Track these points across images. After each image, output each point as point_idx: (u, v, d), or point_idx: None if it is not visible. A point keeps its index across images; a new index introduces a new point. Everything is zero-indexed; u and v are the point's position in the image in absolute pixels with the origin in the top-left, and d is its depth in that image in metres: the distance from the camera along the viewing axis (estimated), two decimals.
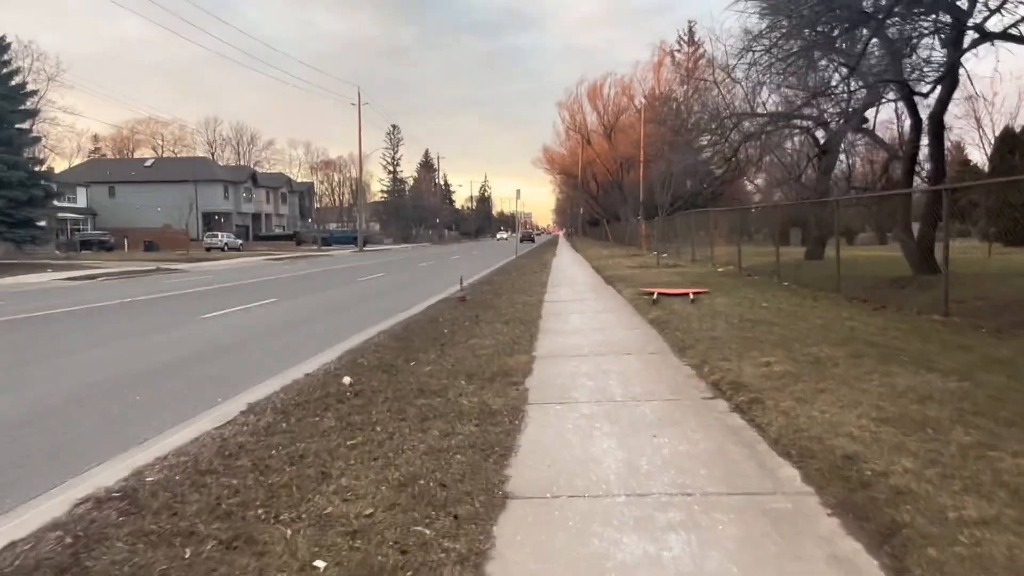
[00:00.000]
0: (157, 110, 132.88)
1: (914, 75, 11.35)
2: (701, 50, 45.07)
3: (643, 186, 47.08)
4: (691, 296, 12.09)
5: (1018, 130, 25.12)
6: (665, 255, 29.90)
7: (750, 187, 55.47)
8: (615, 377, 6.30)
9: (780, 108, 16.72)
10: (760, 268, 18.42)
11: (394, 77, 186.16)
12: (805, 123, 16.84)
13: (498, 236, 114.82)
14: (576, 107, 63.80)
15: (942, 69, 10.96)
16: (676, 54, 48.19)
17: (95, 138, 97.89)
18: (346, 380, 6.42)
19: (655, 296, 12.31)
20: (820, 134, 17.35)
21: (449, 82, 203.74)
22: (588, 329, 9.47)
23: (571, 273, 21.98)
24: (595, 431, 4.66)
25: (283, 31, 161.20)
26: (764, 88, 15.31)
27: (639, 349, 7.72)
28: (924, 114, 12.73)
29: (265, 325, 11.66)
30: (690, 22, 46.98)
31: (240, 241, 64.55)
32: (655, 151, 53.86)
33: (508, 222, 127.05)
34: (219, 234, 63.33)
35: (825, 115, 16.29)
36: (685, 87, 48.73)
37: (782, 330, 8.11)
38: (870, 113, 15.29)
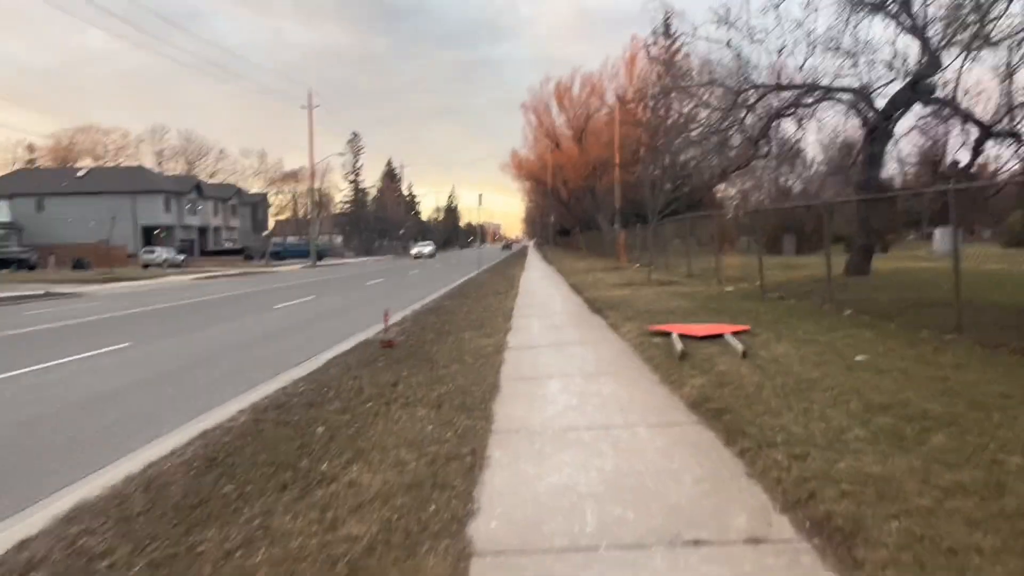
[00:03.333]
0: (93, 118, 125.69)
1: None
2: (678, 44, 41.40)
3: (619, 191, 43.12)
4: (734, 342, 7.78)
5: None
6: (650, 267, 25.82)
7: (731, 192, 51.97)
8: None
9: (811, 80, 12.64)
10: (789, 287, 14.29)
11: (364, 88, 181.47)
12: (847, 96, 12.81)
13: (413, 251, 72.70)
14: (543, 108, 59.79)
15: None
16: (651, 48, 44.38)
17: (30, 148, 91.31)
18: None
19: (676, 341, 7.98)
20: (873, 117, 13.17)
21: (420, 92, 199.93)
22: (582, 427, 5.09)
23: (544, 296, 17.64)
24: None
25: (250, 41, 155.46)
26: (799, 50, 11.14)
27: (718, 517, 3.34)
28: None
29: (32, 409, 7.05)
30: (667, 12, 43.12)
31: (182, 257, 59.19)
32: (630, 154, 50.05)
33: (474, 232, 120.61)
34: (157, 249, 57.87)
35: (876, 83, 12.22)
36: (661, 82, 44.90)
37: (1005, 453, 3.82)
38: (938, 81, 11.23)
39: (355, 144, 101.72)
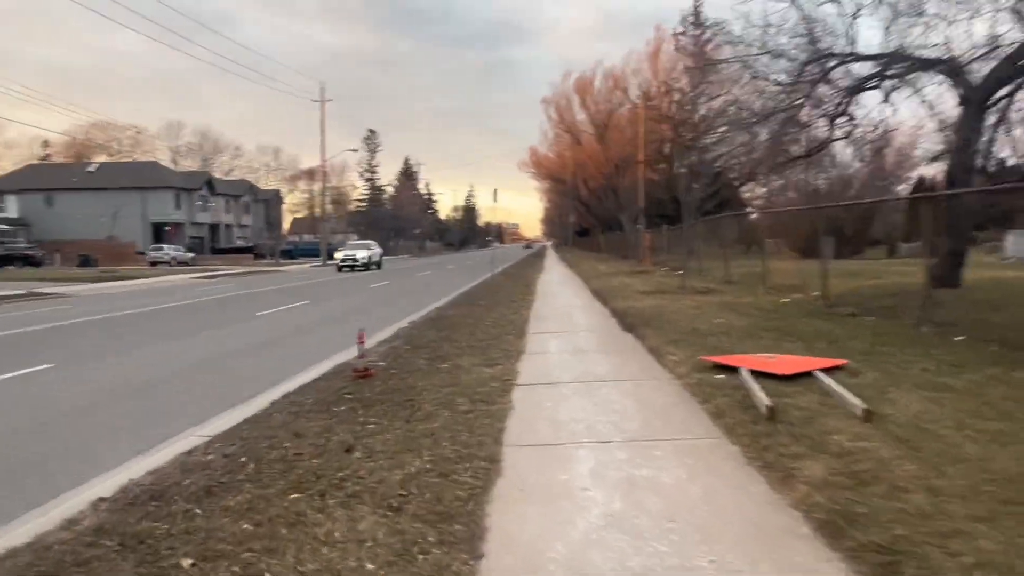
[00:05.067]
0: (104, 114, 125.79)
1: None
2: (708, 33, 38.80)
3: (643, 189, 40.72)
4: (837, 388, 5.46)
5: None
6: (681, 272, 23.48)
7: (759, 191, 49.23)
8: None
9: (897, 47, 10.26)
10: (858, 299, 11.92)
11: (386, 89, 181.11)
12: (939, 67, 10.37)
13: (338, 256, 41.56)
14: (564, 104, 57.38)
15: None
16: (681, 38, 41.86)
17: (45, 143, 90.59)
18: None
19: (752, 385, 5.69)
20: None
21: (441, 94, 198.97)
22: None
23: (564, 305, 15.38)
24: None
25: (277, 44, 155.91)
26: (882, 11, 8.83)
27: None
28: None
29: None
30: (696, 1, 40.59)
31: (191, 255, 57.67)
32: (655, 151, 47.54)
33: (491, 232, 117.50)
34: (165, 247, 56.42)
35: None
36: (690, 75, 42.39)
37: None
38: None
39: (371, 142, 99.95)
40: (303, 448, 4.86)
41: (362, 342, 7.55)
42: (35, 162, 77.31)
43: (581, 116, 57.01)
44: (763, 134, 12.95)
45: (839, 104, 10.85)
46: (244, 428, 5.52)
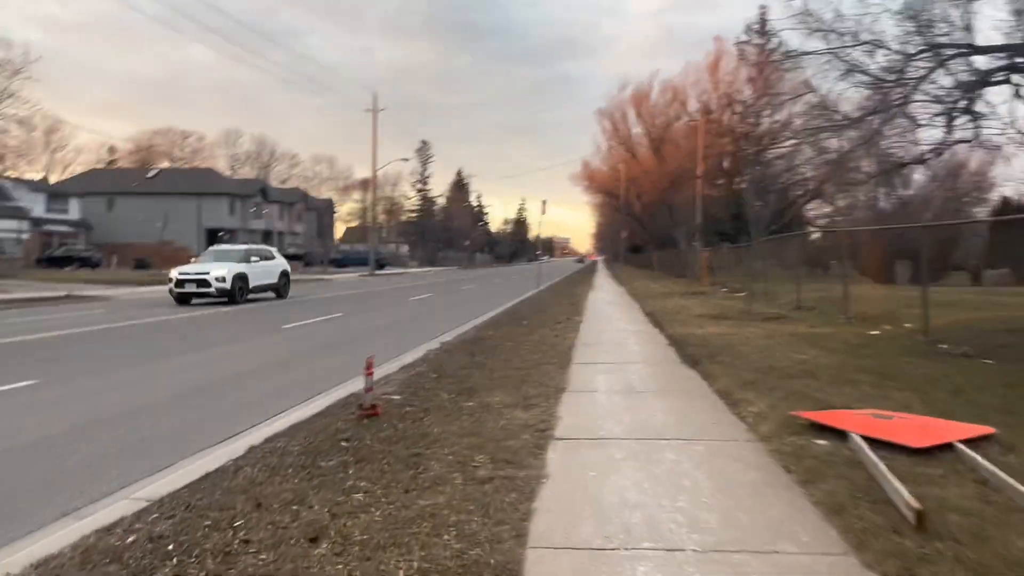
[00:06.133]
0: (168, 122, 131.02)
1: None
2: (774, 42, 36.80)
3: (700, 205, 38.79)
4: (1017, 485, 3.90)
5: None
6: (742, 293, 21.71)
7: (824, 209, 46.66)
8: None
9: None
10: (967, 334, 10.12)
11: (442, 103, 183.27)
12: None
13: (172, 274, 20.69)
14: (619, 116, 55.89)
15: None
16: (745, 47, 39.98)
17: (111, 150, 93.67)
18: None
19: (877, 466, 4.17)
20: None
21: (497, 109, 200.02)
22: None
23: (615, 330, 13.87)
24: None
25: (340, 58, 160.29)
26: None
27: None
28: None
29: None
30: (762, 7, 38.72)
31: None
32: (714, 166, 45.54)
33: (540, 246, 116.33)
34: None
35: None
36: (754, 87, 40.50)
37: None
38: None
39: (424, 152, 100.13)
40: (257, 531, 3.58)
41: (370, 373, 6.25)
42: (99, 167, 79.66)
43: (637, 129, 55.51)
44: (852, 138, 11.23)
45: (957, 101, 9.11)
46: (200, 487, 4.30)
